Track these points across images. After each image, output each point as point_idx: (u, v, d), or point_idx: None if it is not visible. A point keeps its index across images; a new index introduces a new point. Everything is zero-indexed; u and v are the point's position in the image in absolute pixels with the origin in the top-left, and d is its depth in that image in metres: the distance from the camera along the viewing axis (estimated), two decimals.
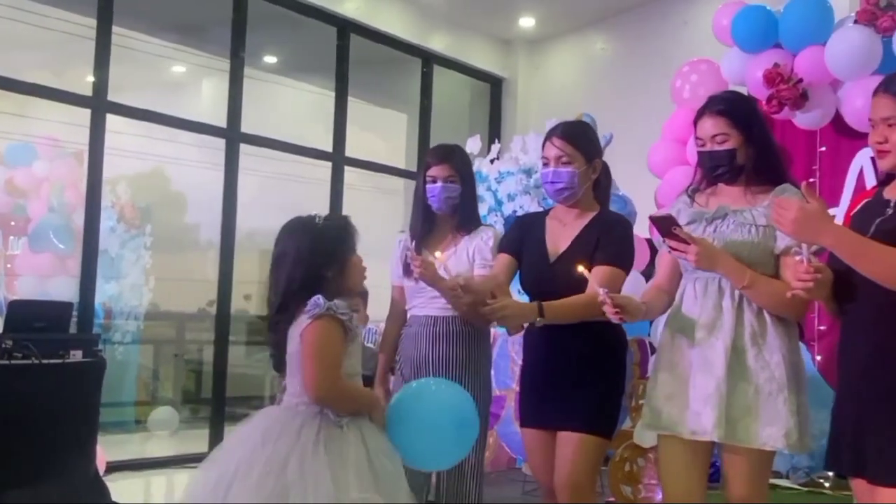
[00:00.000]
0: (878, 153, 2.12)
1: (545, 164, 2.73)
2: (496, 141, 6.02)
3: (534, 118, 7.12)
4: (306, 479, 1.96)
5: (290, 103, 7.97)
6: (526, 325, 2.66)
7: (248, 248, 8.81)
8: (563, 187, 2.69)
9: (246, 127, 6.09)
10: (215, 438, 5.79)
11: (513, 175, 5.27)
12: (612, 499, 3.53)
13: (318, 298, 2.07)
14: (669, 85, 5.42)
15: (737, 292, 2.31)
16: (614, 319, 2.31)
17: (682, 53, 5.87)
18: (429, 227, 2.97)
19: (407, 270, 2.88)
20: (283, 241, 2.19)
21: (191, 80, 8.07)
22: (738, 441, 2.28)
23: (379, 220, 6.40)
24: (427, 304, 2.90)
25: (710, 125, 2.39)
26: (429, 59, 7.41)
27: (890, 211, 2.08)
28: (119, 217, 6.77)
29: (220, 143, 5.99)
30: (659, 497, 3.53)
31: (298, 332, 2.09)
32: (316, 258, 2.13)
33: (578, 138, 2.71)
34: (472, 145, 5.48)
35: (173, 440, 6.64)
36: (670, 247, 2.29)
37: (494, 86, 8.03)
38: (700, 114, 2.43)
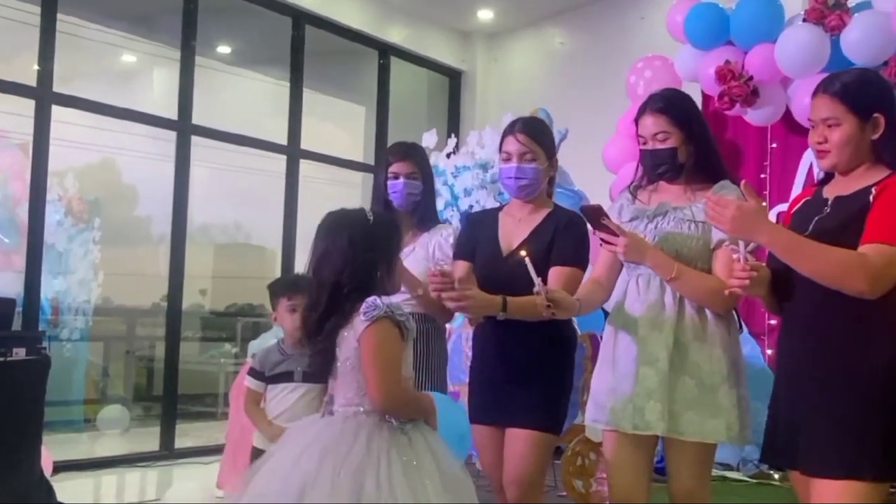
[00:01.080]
0: (818, 153, 2.18)
1: (506, 160, 2.74)
2: (452, 135, 6.05)
3: (493, 112, 7.14)
4: (383, 493, 1.85)
5: (245, 94, 7.89)
6: (482, 318, 2.70)
7: (201, 241, 8.74)
8: (526, 184, 2.72)
9: (199, 118, 6.01)
10: (167, 436, 5.76)
11: (469, 170, 5.31)
12: (563, 493, 3.57)
13: (375, 299, 1.97)
14: (625, 80, 5.50)
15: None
16: (545, 314, 2.34)
17: (638, 49, 5.95)
18: None
19: None
20: (328, 237, 2.06)
21: (141, 70, 7.93)
22: (681, 434, 2.32)
23: None
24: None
25: (651, 123, 2.43)
26: (386, 52, 7.38)
27: (827, 209, 2.14)
28: (66, 210, 6.64)
29: (173, 134, 5.91)
30: None
31: (354, 336, 1.98)
32: (368, 256, 2.03)
33: (541, 135, 2.76)
34: (429, 139, 5.51)
35: (124, 439, 6.54)
36: (601, 239, 2.34)
37: (453, 79, 8.03)
38: (641, 112, 2.47)
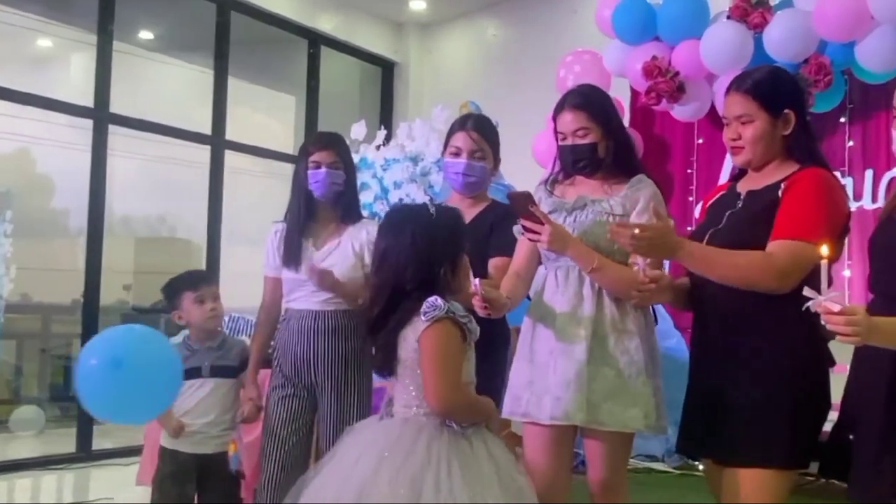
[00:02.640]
0: (732, 150, 2.26)
1: (456, 154, 2.82)
2: (382, 127, 6.04)
3: (425, 104, 7.15)
4: (442, 497, 1.79)
5: (168, 82, 7.72)
6: None
7: (123, 235, 8.52)
8: (474, 181, 2.82)
9: (118, 107, 5.85)
10: (84, 438, 5.61)
11: (399, 162, 5.32)
12: None
13: (436, 299, 1.91)
14: (555, 74, 5.56)
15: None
16: (482, 313, 2.36)
17: (569, 42, 6.02)
18: (310, 215, 2.95)
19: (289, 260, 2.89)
20: (390, 235, 2.00)
21: (58, 56, 7.70)
22: (600, 424, 2.34)
23: (271, 205, 6.31)
24: (308, 298, 2.89)
25: (570, 119, 2.46)
26: (316, 41, 7.30)
27: (740, 204, 2.22)
28: None
29: (90, 123, 5.74)
30: None
31: (415, 336, 1.92)
32: (431, 254, 1.96)
33: (492, 135, 2.88)
34: (358, 131, 5.50)
35: (39, 441, 6.37)
36: (524, 227, 2.36)
37: (386, 69, 8.01)
38: (559, 108, 2.50)
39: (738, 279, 2.10)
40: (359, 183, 5.41)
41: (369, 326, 2.03)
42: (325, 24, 7.31)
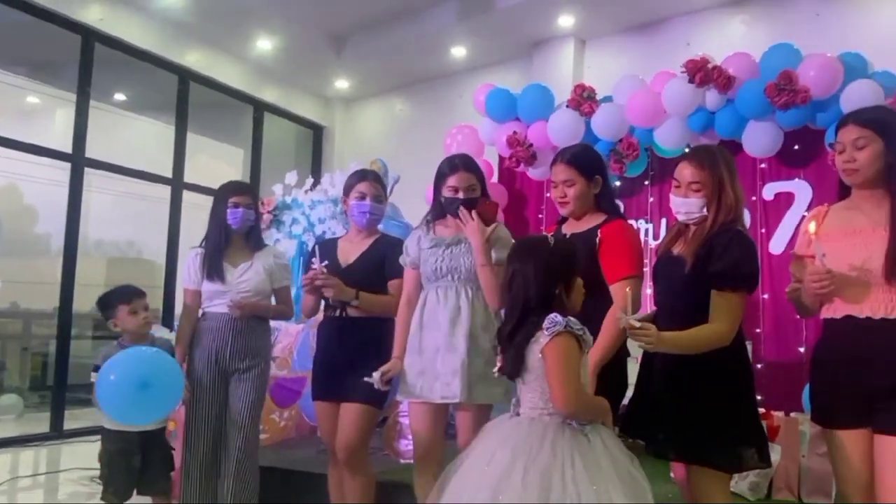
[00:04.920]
0: (560, 204, 2.37)
1: (361, 198, 2.81)
2: (310, 176, 6.02)
3: (347, 159, 7.14)
4: (568, 493, 1.63)
5: (138, 135, 7.43)
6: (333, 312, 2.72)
7: (97, 255, 8.08)
8: (376, 218, 2.86)
9: (96, 153, 5.61)
10: (57, 420, 5.30)
11: (323, 203, 5.29)
12: (387, 452, 3.61)
13: (556, 316, 1.77)
14: (444, 141, 5.67)
15: (469, 294, 2.43)
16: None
17: (455, 118, 6.12)
18: (226, 242, 2.98)
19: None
20: (518, 261, 1.87)
21: (44, 110, 7.31)
22: (475, 400, 2.38)
23: None
24: (226, 304, 2.89)
25: (466, 178, 2.48)
26: (260, 107, 7.21)
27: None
28: None
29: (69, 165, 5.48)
30: None
31: (539, 348, 1.78)
32: (550, 276, 1.83)
33: (383, 184, 2.93)
34: (291, 178, 5.46)
35: (17, 423, 5.93)
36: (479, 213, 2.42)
37: (316, 132, 7.97)
38: (454, 170, 2.50)
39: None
40: (290, 218, 5.40)
41: (503, 338, 1.88)
42: (268, 95, 7.23)
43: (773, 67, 4.35)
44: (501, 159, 5.59)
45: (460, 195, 2.48)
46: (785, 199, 4.67)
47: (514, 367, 1.84)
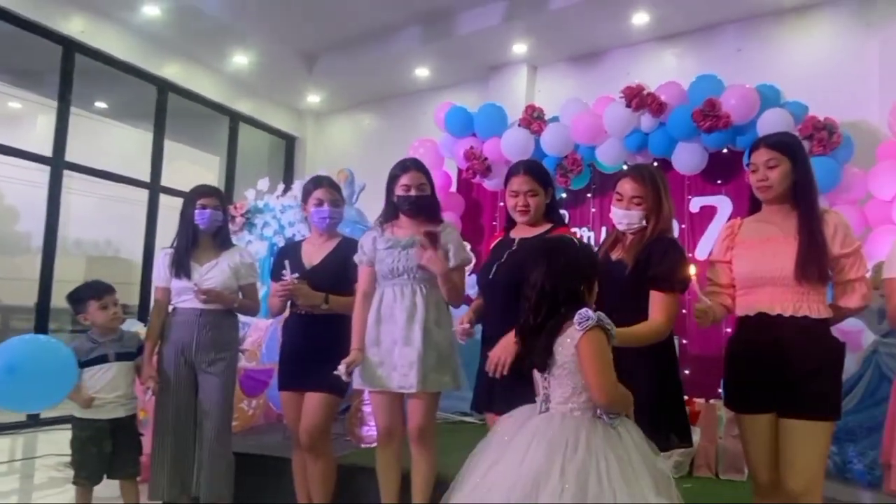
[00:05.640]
0: (520, 212, 2.35)
1: (319, 205, 2.76)
2: (281, 182, 5.96)
3: (317, 167, 7.06)
4: (605, 491, 1.54)
5: (118, 141, 7.23)
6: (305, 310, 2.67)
7: (77, 254, 7.81)
8: (336, 222, 2.81)
9: (78, 157, 5.43)
10: None
11: (293, 208, 5.24)
12: (349, 438, 3.59)
13: (587, 311, 1.68)
14: (406, 152, 5.67)
15: (424, 291, 2.44)
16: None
17: (417, 133, 6.14)
18: (194, 243, 2.91)
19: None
20: (545, 258, 1.78)
21: (26, 115, 7.05)
22: (428, 389, 2.40)
23: None
24: (195, 300, 2.84)
25: (416, 177, 2.50)
26: (236, 118, 7.09)
27: (515, 246, 2.34)
28: None
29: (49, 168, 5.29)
30: None
31: (572, 342, 1.68)
32: (577, 274, 1.77)
33: (339, 188, 2.86)
34: (263, 184, 5.40)
35: None
36: (422, 245, 2.40)
37: (289, 142, 7.87)
38: (406, 170, 2.51)
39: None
40: (262, 221, 5.33)
41: (528, 332, 1.77)
42: (244, 107, 7.12)
43: (700, 95, 4.51)
44: (459, 171, 5.63)
45: (413, 193, 2.49)
46: (709, 212, 4.85)
47: (543, 360, 1.73)
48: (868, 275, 2.08)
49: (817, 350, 1.97)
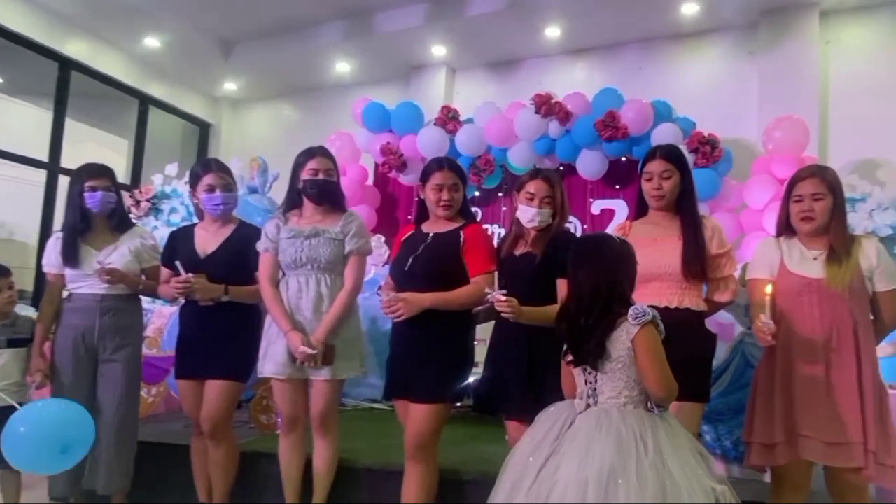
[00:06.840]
0: (443, 207, 2.34)
1: (211, 190, 2.65)
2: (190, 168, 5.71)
3: (232, 155, 6.82)
4: (676, 476, 1.53)
5: (15, 119, 6.65)
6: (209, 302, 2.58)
7: None
8: (231, 207, 2.69)
9: None
10: None
11: None
12: (252, 426, 3.51)
13: (641, 306, 1.67)
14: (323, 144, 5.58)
15: (329, 281, 2.41)
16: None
17: (335, 125, 6.07)
18: (87, 226, 2.71)
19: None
20: (586, 258, 1.76)
21: None
22: (339, 376, 2.40)
23: None
24: (94, 286, 2.67)
25: (323, 162, 2.48)
26: (146, 101, 6.72)
27: (429, 240, 2.34)
28: None
29: None
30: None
31: (628, 338, 1.66)
32: (623, 271, 1.76)
33: (230, 173, 2.72)
34: (171, 169, 5.17)
35: None
36: None
37: (203, 128, 7.55)
38: (312, 155, 2.49)
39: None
40: (169, 207, 5.10)
41: (578, 330, 1.73)
42: (155, 90, 6.77)
43: (602, 107, 4.78)
44: (377, 165, 5.62)
45: (320, 177, 2.47)
46: (608, 214, 5.14)
47: (596, 357, 1.70)
48: (737, 274, 2.30)
49: (695, 339, 2.13)
